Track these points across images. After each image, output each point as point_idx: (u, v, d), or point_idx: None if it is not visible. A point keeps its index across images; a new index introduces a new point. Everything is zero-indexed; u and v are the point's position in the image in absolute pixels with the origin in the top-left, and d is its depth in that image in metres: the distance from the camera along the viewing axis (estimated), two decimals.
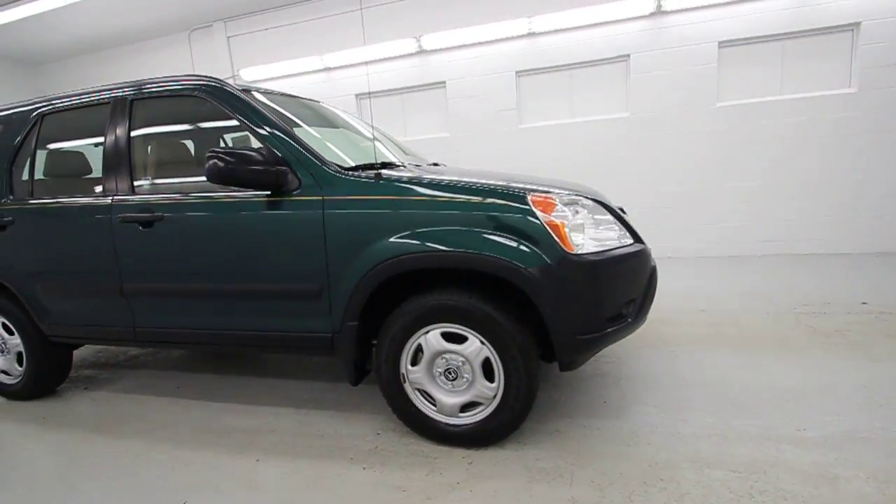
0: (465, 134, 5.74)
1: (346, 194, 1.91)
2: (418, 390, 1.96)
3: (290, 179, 1.97)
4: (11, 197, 2.54)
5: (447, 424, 1.93)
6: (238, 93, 2.14)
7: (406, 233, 1.82)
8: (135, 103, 2.34)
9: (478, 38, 5.40)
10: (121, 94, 2.37)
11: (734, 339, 2.86)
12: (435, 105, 5.92)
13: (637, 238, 2.02)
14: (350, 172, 1.97)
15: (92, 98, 2.45)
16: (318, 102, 2.86)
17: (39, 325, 2.56)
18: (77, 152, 2.60)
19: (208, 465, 1.97)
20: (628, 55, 5.07)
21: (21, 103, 2.66)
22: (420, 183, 1.90)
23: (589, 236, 1.80)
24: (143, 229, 2.19)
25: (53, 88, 7.29)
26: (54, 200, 2.45)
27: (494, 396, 1.85)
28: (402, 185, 1.90)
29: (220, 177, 1.87)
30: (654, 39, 4.95)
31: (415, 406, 1.97)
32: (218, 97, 2.14)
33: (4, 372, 2.76)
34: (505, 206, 1.77)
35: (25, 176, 2.59)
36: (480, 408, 1.89)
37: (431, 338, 1.87)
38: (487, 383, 1.85)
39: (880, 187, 4.61)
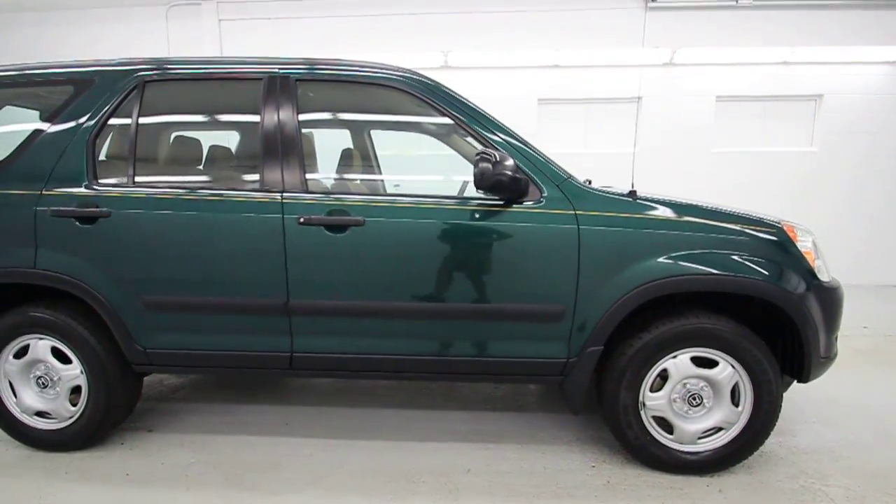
0: None
1: (603, 210, 1.81)
2: (653, 418, 1.89)
3: (531, 190, 1.81)
4: (97, 182, 1.94)
5: (684, 452, 1.88)
6: (455, 93, 1.92)
7: (669, 254, 1.78)
8: (300, 84, 1.97)
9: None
10: (279, 70, 1.97)
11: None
12: None
13: None
14: (596, 188, 1.88)
15: (228, 70, 2.01)
16: None
17: (126, 349, 1.96)
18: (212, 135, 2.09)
19: None
20: (640, 97, 5.56)
21: (102, 63, 2.06)
22: (675, 206, 1.88)
23: (824, 265, 1.94)
24: (332, 234, 1.82)
25: None
26: (186, 192, 1.92)
27: (738, 420, 1.86)
28: (661, 206, 1.85)
29: (487, 181, 1.66)
30: (664, 87, 5.51)
31: (650, 435, 1.88)
32: (429, 94, 1.90)
33: (45, 414, 2.05)
34: (765, 233, 1.83)
35: (121, 157, 2.01)
36: (722, 433, 1.88)
37: (680, 362, 1.83)
38: (734, 407, 1.85)
39: (840, 229, 5.48)
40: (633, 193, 1.88)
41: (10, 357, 2.02)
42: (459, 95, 1.93)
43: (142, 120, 1.99)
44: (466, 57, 5.50)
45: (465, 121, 1.88)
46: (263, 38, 5.66)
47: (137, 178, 1.96)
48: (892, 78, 5.29)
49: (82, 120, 1.97)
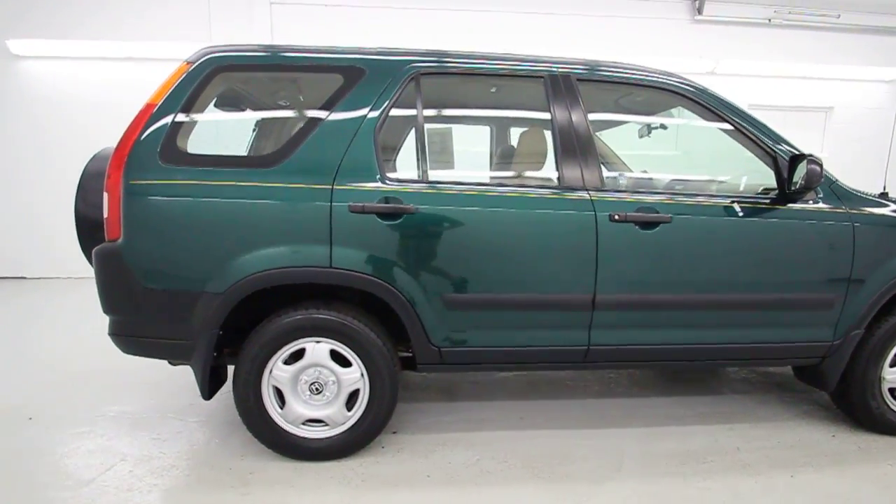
0: None
1: (869, 209, 2.04)
2: (889, 389, 2.15)
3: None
4: (390, 178, 1.86)
5: None
6: (731, 100, 2.07)
7: None
8: (580, 84, 2.01)
9: None
10: (559, 70, 2.00)
11: None
12: None
13: None
14: (853, 190, 2.11)
15: (507, 66, 2.00)
16: None
17: (419, 349, 1.90)
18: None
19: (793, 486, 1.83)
20: None
21: (366, 51, 1.96)
22: None
23: None
24: (643, 231, 1.90)
25: None
26: (492, 188, 1.93)
27: None
28: None
29: (815, 181, 1.82)
30: None
31: (888, 404, 2.15)
32: (710, 100, 2.06)
33: (316, 422, 1.93)
34: None
35: (400, 150, 1.93)
36: None
37: None
38: None
39: None
40: (885, 195, 2.13)
41: (279, 363, 1.89)
42: (735, 103, 2.08)
43: (426, 112, 1.94)
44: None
45: (747, 126, 2.03)
46: (316, 26, 5.43)
47: (430, 173, 1.90)
48: (890, 95, 6.14)
49: (364, 111, 1.88)
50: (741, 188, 2.25)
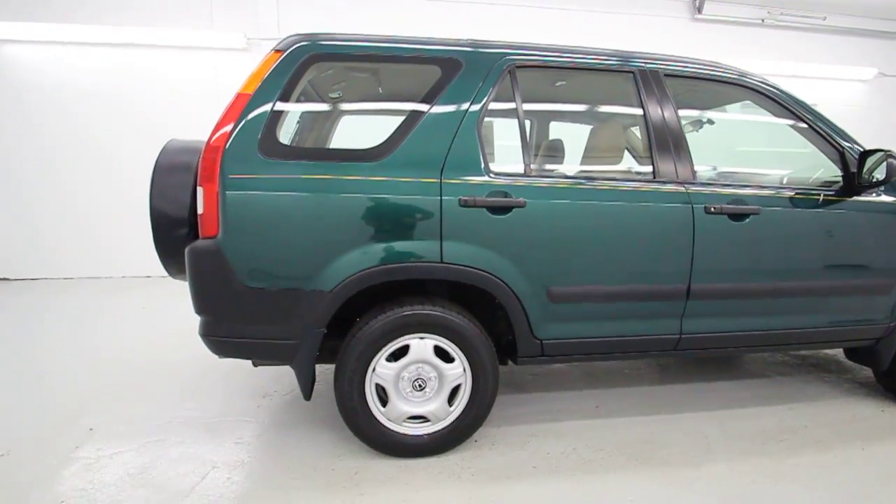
0: None
1: None
2: None
3: None
4: (494, 171, 1.85)
5: None
6: (799, 97, 2.18)
7: None
8: (666, 79, 2.07)
9: None
10: (647, 65, 2.05)
11: None
12: None
13: None
14: None
15: (597, 61, 2.02)
16: None
17: (522, 342, 1.91)
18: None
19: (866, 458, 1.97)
20: None
21: (458, 43, 1.94)
22: None
23: None
24: (734, 222, 1.98)
25: None
26: (598, 182, 1.94)
27: None
28: None
29: (892, 177, 1.94)
30: None
31: None
32: (783, 97, 2.19)
33: (419, 418, 1.92)
34: None
35: (501, 143, 1.93)
36: None
37: None
38: None
39: None
40: None
41: (383, 360, 1.86)
42: (805, 100, 2.18)
43: (525, 106, 1.94)
44: None
45: (817, 122, 2.15)
46: (322, 13, 5.27)
47: (532, 167, 1.91)
48: (867, 93, 6.57)
49: (466, 105, 1.86)
50: (811, 181, 2.38)
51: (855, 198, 2.13)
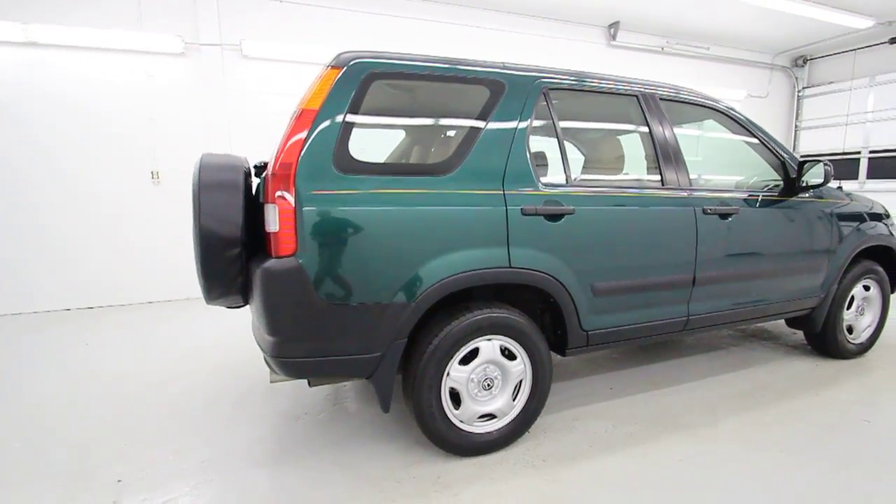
0: None
1: (838, 199, 2.85)
2: None
3: None
4: (543, 182, 2.04)
5: None
6: (752, 121, 2.70)
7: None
8: (661, 102, 2.45)
9: None
10: (646, 90, 2.42)
11: None
12: None
13: None
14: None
15: (610, 86, 2.33)
16: None
17: (571, 335, 2.12)
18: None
19: (826, 399, 2.47)
20: None
21: (495, 66, 2.11)
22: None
23: None
24: (721, 220, 2.41)
25: None
26: (632, 190, 2.26)
27: None
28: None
29: (828, 179, 2.50)
30: None
31: (847, 339, 3.01)
32: (742, 120, 2.67)
33: (487, 416, 2.02)
34: None
35: (541, 157, 2.13)
36: None
37: None
38: None
39: None
40: (840, 188, 2.97)
41: (456, 364, 1.95)
42: (753, 119, 2.71)
43: (562, 124, 2.17)
44: None
45: (767, 139, 2.68)
46: (263, 18, 5.07)
47: (573, 177, 2.14)
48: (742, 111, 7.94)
49: (515, 122, 2.04)
50: (763, 185, 2.93)
51: (795, 198, 2.70)
